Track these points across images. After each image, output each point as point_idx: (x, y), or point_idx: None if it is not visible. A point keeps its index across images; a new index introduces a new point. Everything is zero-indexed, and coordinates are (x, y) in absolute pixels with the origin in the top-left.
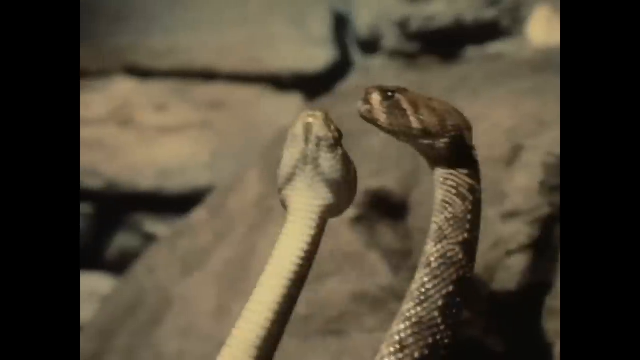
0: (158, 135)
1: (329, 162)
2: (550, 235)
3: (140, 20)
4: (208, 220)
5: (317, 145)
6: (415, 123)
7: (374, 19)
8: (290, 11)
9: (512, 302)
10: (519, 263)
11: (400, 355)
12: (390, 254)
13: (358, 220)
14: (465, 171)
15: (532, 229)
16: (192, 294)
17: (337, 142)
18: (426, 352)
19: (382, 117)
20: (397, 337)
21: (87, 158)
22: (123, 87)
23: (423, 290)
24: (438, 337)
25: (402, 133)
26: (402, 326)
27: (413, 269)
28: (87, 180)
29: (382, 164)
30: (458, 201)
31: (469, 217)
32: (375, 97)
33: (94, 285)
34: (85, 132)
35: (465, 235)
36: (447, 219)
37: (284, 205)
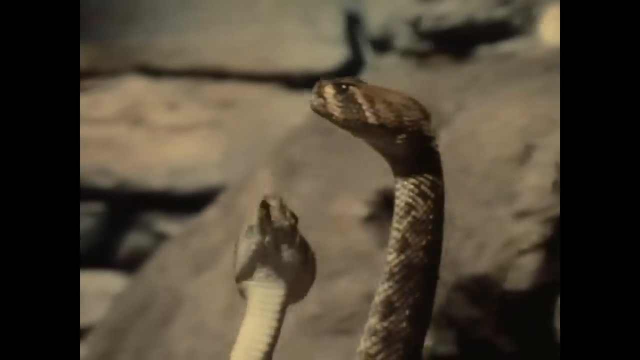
0: (169, 134)
1: (286, 252)
2: None
3: (151, 20)
4: (219, 219)
5: (274, 234)
6: (371, 118)
7: (386, 18)
8: (301, 10)
9: (523, 301)
10: (530, 262)
11: None
12: None
13: (369, 219)
14: (426, 166)
15: (544, 229)
16: (202, 293)
17: (293, 229)
18: None
19: (336, 112)
20: (367, 353)
21: (98, 157)
22: (134, 87)
23: (389, 302)
24: (409, 347)
25: (357, 128)
26: (369, 342)
27: None
28: (98, 180)
29: None
30: (420, 201)
31: (431, 217)
32: (329, 90)
33: (105, 285)
34: (96, 132)
35: (429, 237)
36: (411, 224)
37: (243, 295)
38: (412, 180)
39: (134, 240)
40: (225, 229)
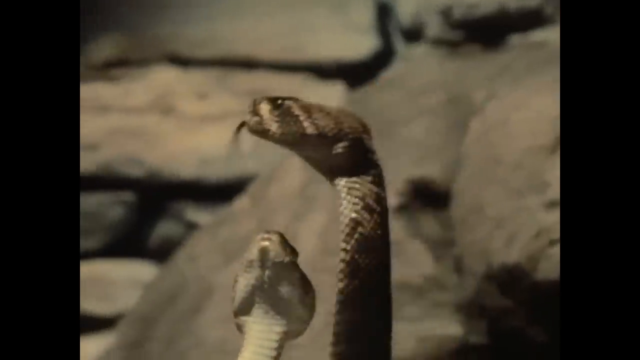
0: (199, 124)
1: (286, 287)
2: None
3: (181, 10)
4: (250, 208)
5: (274, 270)
6: (309, 128)
7: (417, 7)
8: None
9: (554, 291)
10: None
11: None
12: (432, 243)
13: (400, 209)
14: (369, 178)
15: None
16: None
17: (294, 265)
18: None
19: (273, 127)
20: None
21: (129, 147)
22: (164, 76)
23: (348, 329)
24: None
25: (296, 141)
26: None
27: (456, 259)
28: (129, 169)
29: (424, 153)
30: (367, 216)
31: (379, 232)
32: (264, 107)
33: (135, 273)
34: (127, 121)
35: (379, 255)
36: (359, 243)
37: (240, 330)
38: (356, 193)
39: (164, 229)
40: (255, 218)
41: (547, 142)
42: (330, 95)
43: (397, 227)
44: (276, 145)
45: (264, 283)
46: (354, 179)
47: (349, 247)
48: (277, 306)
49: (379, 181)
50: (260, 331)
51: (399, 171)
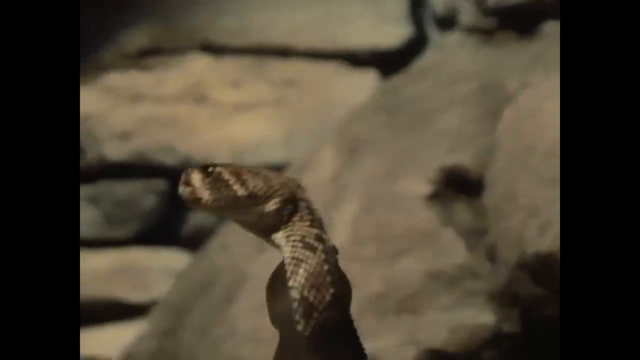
0: (232, 112)
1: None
2: None
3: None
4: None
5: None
6: (240, 190)
7: None
8: None
9: None
10: None
11: None
12: (465, 231)
13: (433, 197)
14: (306, 223)
15: None
16: (266, 271)
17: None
18: None
19: (205, 194)
20: None
21: (162, 135)
22: (198, 65)
23: None
24: None
25: (229, 206)
26: None
27: (489, 247)
28: (163, 157)
29: (457, 142)
30: (309, 253)
31: (326, 267)
32: (196, 177)
33: (169, 261)
34: (161, 110)
35: (331, 290)
36: (306, 279)
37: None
38: (294, 237)
39: (197, 218)
40: None
41: None
42: (364, 84)
43: (429, 216)
44: (309, 134)
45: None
46: (290, 227)
47: (296, 284)
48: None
49: (318, 225)
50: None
51: (432, 160)
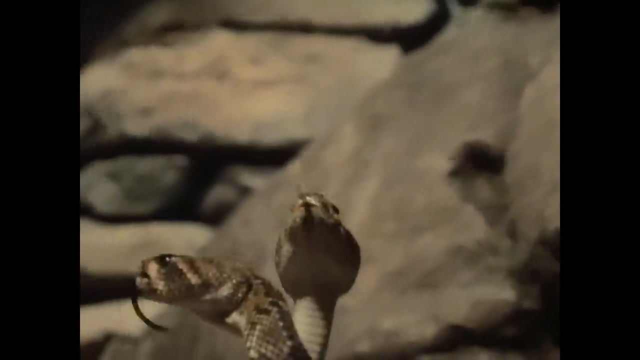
0: (253, 88)
1: (333, 246)
2: None
3: None
4: (303, 174)
5: (318, 234)
6: (193, 279)
7: None
8: None
9: None
10: None
11: None
12: (486, 208)
13: (454, 174)
14: (261, 295)
15: None
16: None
17: (337, 225)
18: None
19: (160, 285)
20: None
21: (184, 111)
22: (219, 41)
23: None
24: None
25: (183, 295)
26: None
27: (510, 224)
28: (184, 134)
29: (478, 118)
30: (263, 316)
31: (281, 324)
32: (152, 267)
33: (190, 237)
34: (182, 86)
35: (288, 343)
36: (261, 337)
37: (287, 293)
38: (249, 309)
39: (218, 193)
40: (309, 183)
41: None
42: (385, 60)
43: (450, 192)
44: (330, 110)
45: (311, 246)
46: (244, 303)
47: (252, 344)
48: (325, 265)
49: (275, 294)
50: (311, 294)
51: (453, 136)
